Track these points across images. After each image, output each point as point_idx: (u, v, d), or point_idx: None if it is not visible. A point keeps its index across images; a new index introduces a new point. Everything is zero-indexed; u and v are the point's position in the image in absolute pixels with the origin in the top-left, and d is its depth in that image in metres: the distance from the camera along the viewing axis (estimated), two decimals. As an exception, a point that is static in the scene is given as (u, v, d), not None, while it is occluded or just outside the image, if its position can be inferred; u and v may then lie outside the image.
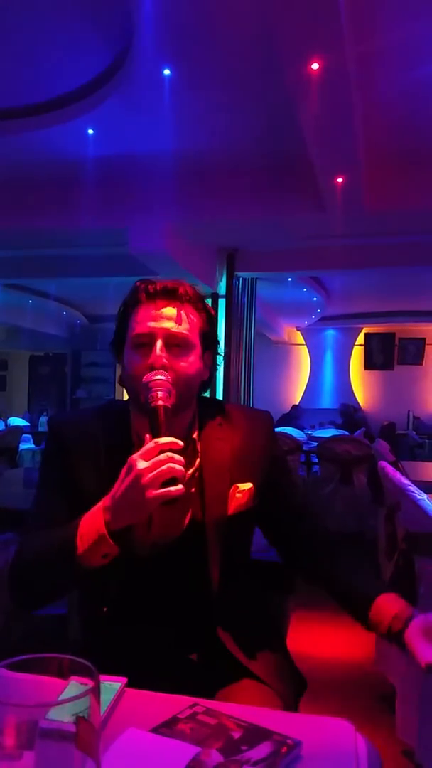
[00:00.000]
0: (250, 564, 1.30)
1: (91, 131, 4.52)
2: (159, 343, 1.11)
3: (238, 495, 1.18)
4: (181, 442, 1.03)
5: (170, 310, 1.13)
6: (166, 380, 1.08)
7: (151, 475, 0.98)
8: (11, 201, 5.45)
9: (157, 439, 1.01)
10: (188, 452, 1.18)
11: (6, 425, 8.99)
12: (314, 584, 1.22)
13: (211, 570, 1.15)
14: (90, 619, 1.23)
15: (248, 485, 1.19)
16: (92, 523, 1.03)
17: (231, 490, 1.18)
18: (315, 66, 3.14)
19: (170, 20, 3.18)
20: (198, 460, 1.19)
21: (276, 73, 3.37)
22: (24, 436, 8.58)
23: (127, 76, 3.63)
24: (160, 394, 1.07)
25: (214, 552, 1.15)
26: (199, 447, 1.20)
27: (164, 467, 0.98)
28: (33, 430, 9.36)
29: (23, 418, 10.29)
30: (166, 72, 3.69)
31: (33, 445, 8.77)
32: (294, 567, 1.31)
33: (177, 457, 1.00)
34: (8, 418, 9.77)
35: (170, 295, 1.14)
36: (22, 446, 8.30)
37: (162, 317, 1.13)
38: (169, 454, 1.00)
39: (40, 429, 9.26)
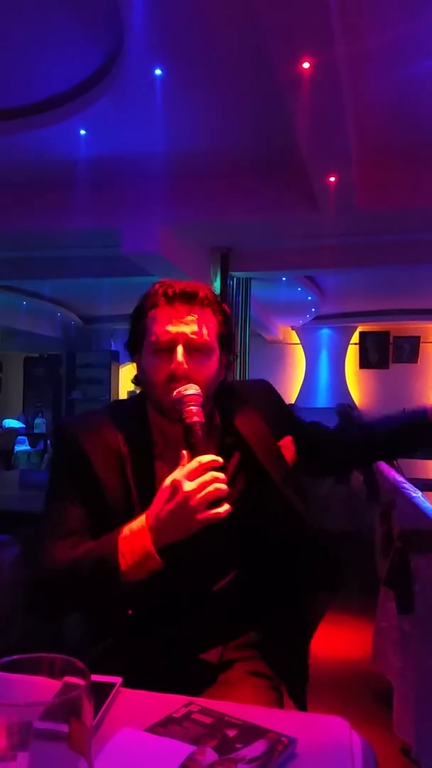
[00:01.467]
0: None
1: (83, 132, 4.51)
2: (180, 350, 1.11)
3: (284, 450, 1.24)
4: (220, 459, 1.03)
5: (191, 316, 1.12)
6: (198, 394, 1.09)
7: (198, 497, 0.98)
8: (3, 202, 5.44)
9: (199, 458, 1.01)
10: (223, 445, 1.21)
11: (1, 427, 8.98)
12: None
13: (295, 508, 1.19)
14: (105, 621, 1.19)
15: (287, 438, 1.26)
16: (137, 541, 1.01)
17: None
18: (306, 65, 3.14)
19: (161, 20, 3.18)
20: (232, 442, 1.21)
21: (267, 73, 3.37)
22: (19, 437, 8.58)
23: (119, 77, 3.63)
24: (194, 409, 1.07)
25: (283, 500, 1.18)
26: (221, 431, 1.23)
27: (211, 488, 0.98)
28: (28, 431, 9.35)
29: (18, 419, 10.28)
30: (158, 72, 3.69)
31: (28, 447, 8.76)
32: (360, 463, 1.45)
33: (220, 475, 1.00)
34: (3, 419, 9.76)
35: (190, 300, 1.13)
36: (18, 448, 8.29)
37: (182, 323, 1.12)
38: (214, 474, 1.00)
39: (36, 431, 9.25)
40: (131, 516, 1.07)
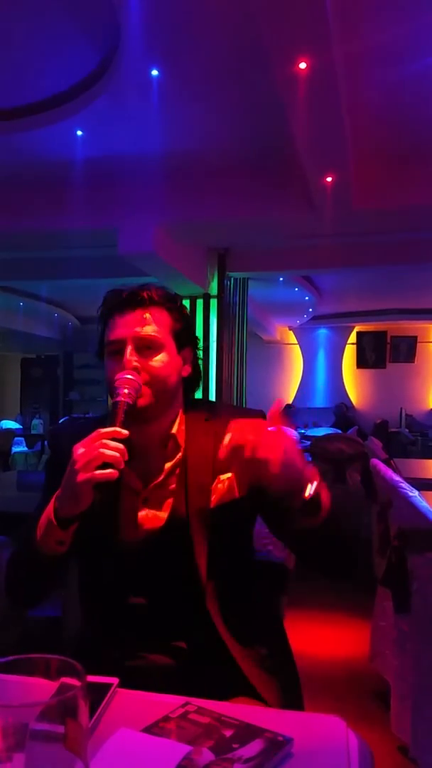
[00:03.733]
0: (249, 559, 1.30)
1: (79, 132, 4.51)
2: (129, 348, 1.17)
3: (219, 486, 1.19)
4: (125, 431, 1.05)
5: (137, 315, 1.19)
6: (134, 379, 1.14)
7: (84, 459, 1.02)
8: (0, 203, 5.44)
9: (100, 429, 1.06)
10: (169, 448, 1.23)
11: (-2, 428, 8.95)
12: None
13: (197, 560, 1.16)
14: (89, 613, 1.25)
15: (228, 475, 1.19)
16: (47, 511, 1.09)
17: (214, 482, 1.19)
18: (303, 65, 3.14)
19: (158, 21, 3.18)
20: (180, 455, 1.22)
21: (264, 73, 3.38)
22: (16, 439, 8.57)
23: (115, 77, 3.63)
24: (125, 391, 1.12)
25: (198, 543, 1.16)
26: (181, 441, 1.23)
27: (95, 452, 1.02)
28: (26, 432, 9.33)
29: (15, 420, 10.26)
30: (154, 73, 3.69)
31: (26, 448, 8.75)
32: (306, 565, 1.25)
33: (112, 443, 1.03)
34: (0, 421, 9.74)
35: (135, 301, 1.21)
36: (15, 449, 8.28)
37: (129, 323, 1.19)
38: (105, 441, 1.03)
39: (33, 432, 9.24)
40: (89, 521, 1.12)
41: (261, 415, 1.28)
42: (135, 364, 1.16)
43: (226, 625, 1.15)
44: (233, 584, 1.19)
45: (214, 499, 1.18)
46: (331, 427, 9.15)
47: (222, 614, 1.16)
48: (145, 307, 1.20)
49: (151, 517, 1.19)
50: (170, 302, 1.24)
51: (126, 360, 1.17)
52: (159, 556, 1.19)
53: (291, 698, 1.19)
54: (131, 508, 1.20)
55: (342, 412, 10.45)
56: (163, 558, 1.19)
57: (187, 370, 1.26)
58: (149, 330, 1.19)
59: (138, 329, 1.18)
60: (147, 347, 1.18)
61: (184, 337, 1.25)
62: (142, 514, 1.20)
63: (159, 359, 1.19)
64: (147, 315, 1.20)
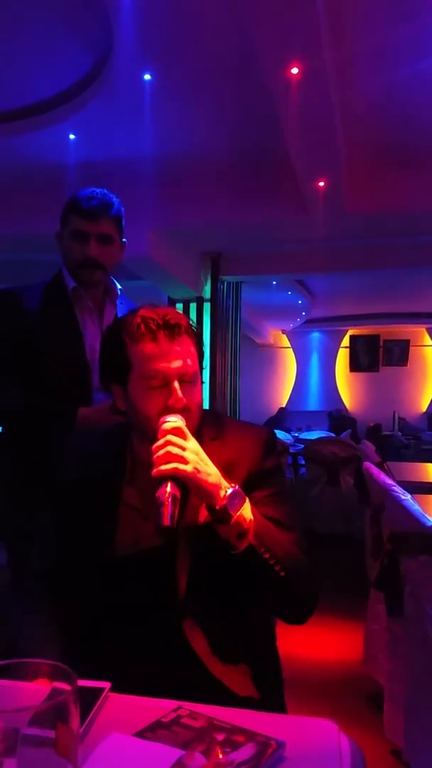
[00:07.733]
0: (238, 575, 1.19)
1: (72, 136, 4.51)
2: (176, 384, 1.14)
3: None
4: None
5: (178, 348, 1.16)
6: (182, 427, 1.12)
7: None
8: (-7, 207, 5.42)
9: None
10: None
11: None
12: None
13: (178, 578, 1.14)
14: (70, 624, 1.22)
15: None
16: None
17: None
18: (295, 70, 3.16)
19: (150, 25, 3.18)
20: None
21: (256, 78, 3.39)
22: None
23: (108, 81, 3.64)
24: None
25: (182, 561, 1.14)
26: None
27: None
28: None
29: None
30: (147, 77, 3.70)
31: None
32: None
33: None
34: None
35: (174, 331, 1.16)
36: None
37: (172, 356, 1.15)
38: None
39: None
40: (85, 535, 1.19)
41: (262, 430, 1.30)
42: (184, 401, 1.14)
43: (207, 644, 1.12)
44: (217, 602, 1.16)
45: (202, 516, 1.14)
46: (328, 430, 9.16)
47: (204, 634, 1.13)
48: (183, 335, 1.18)
49: (150, 534, 1.16)
50: (193, 327, 1.23)
51: (177, 399, 1.14)
52: (146, 573, 1.17)
53: (273, 701, 1.18)
54: (131, 525, 1.19)
55: (341, 416, 10.48)
56: (149, 574, 1.17)
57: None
58: (191, 364, 1.17)
59: (182, 365, 1.15)
60: (188, 382, 1.17)
61: (202, 362, 1.24)
62: (141, 531, 1.18)
63: (198, 392, 1.19)
64: (186, 347, 1.18)
